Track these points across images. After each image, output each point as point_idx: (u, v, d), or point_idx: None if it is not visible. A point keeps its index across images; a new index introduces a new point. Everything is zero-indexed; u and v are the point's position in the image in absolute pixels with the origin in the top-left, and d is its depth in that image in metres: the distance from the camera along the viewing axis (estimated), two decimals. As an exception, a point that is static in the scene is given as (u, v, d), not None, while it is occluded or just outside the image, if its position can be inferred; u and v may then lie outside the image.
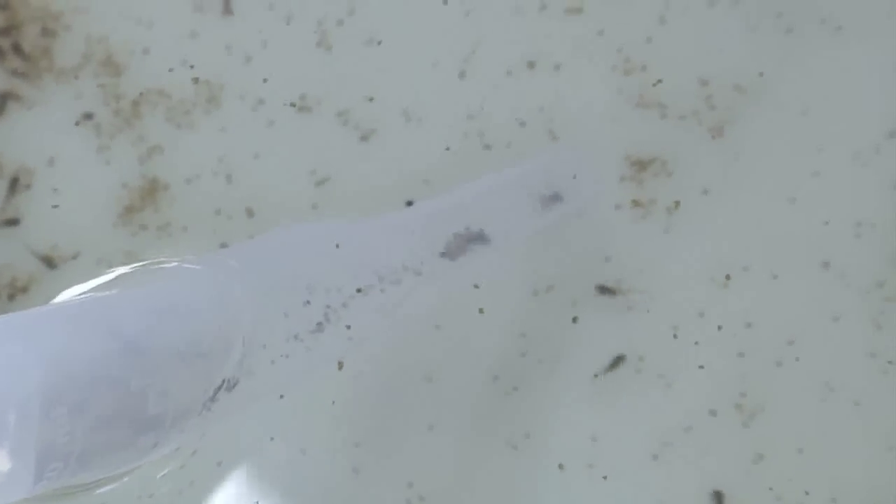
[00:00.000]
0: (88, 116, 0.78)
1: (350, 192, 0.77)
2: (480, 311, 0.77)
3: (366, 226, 0.75)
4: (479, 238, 0.74)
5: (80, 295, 0.73)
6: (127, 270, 0.74)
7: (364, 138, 0.78)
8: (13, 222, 0.78)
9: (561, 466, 0.76)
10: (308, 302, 0.70)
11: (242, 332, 0.68)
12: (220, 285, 0.69)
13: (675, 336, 0.76)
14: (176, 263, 0.74)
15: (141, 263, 0.75)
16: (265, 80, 0.79)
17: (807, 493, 0.75)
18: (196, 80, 0.78)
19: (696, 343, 0.76)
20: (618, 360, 0.77)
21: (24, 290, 0.77)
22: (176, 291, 0.68)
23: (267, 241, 0.75)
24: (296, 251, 0.74)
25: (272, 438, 0.75)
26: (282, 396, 0.74)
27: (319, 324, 0.71)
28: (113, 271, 0.74)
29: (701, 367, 0.76)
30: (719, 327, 0.76)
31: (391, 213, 0.76)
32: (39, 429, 0.57)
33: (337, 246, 0.73)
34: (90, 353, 0.61)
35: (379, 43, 0.79)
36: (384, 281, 0.72)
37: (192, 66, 0.79)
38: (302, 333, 0.71)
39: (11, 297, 0.77)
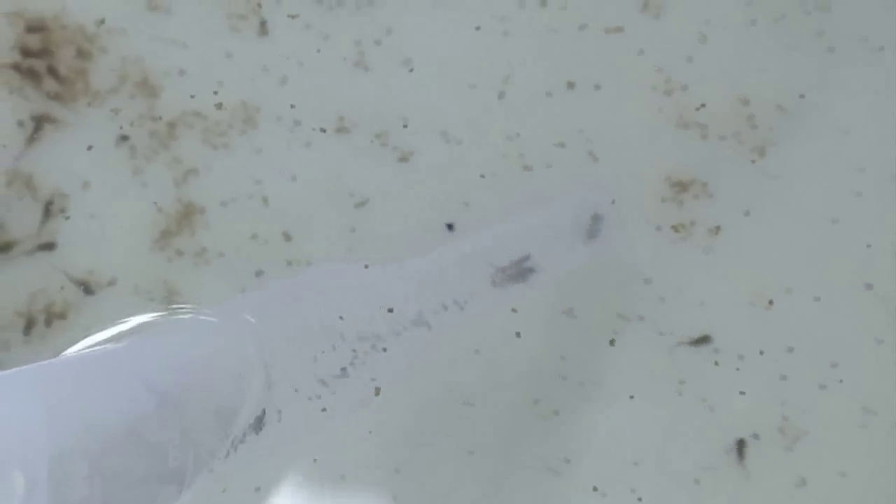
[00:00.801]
0: (124, 138, 0.77)
1: (389, 215, 0.77)
2: (517, 334, 0.76)
3: (398, 269, 0.74)
4: (526, 270, 0.74)
5: (95, 345, 0.73)
6: (143, 320, 0.73)
7: (403, 160, 0.77)
8: (48, 247, 0.77)
9: (602, 491, 0.75)
10: (335, 347, 0.70)
11: (261, 380, 0.67)
12: (235, 337, 0.68)
13: (716, 362, 0.76)
14: (191, 315, 0.73)
15: (157, 314, 0.74)
16: (302, 101, 0.78)
17: (849, 517, 0.75)
18: (232, 102, 0.78)
19: (738, 369, 0.76)
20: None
21: (62, 316, 0.76)
22: (194, 344, 0.68)
23: (291, 286, 0.75)
24: (322, 296, 0.73)
25: (315, 460, 0.75)
26: (315, 461, 0.74)
27: (344, 369, 0.71)
28: (128, 320, 0.73)
29: (743, 391, 0.76)
30: (761, 352, 0.76)
31: (434, 250, 0.75)
32: (58, 484, 0.56)
33: (366, 267, 0.73)
34: (116, 406, 0.60)
35: (417, 63, 0.78)
36: (419, 321, 0.72)
37: (227, 87, 0.78)
38: (327, 378, 0.71)
39: (49, 322, 0.76)
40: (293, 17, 0.78)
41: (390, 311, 0.72)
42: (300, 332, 0.71)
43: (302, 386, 0.70)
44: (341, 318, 0.71)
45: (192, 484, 0.63)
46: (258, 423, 0.67)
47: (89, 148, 0.78)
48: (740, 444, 0.75)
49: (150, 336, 0.71)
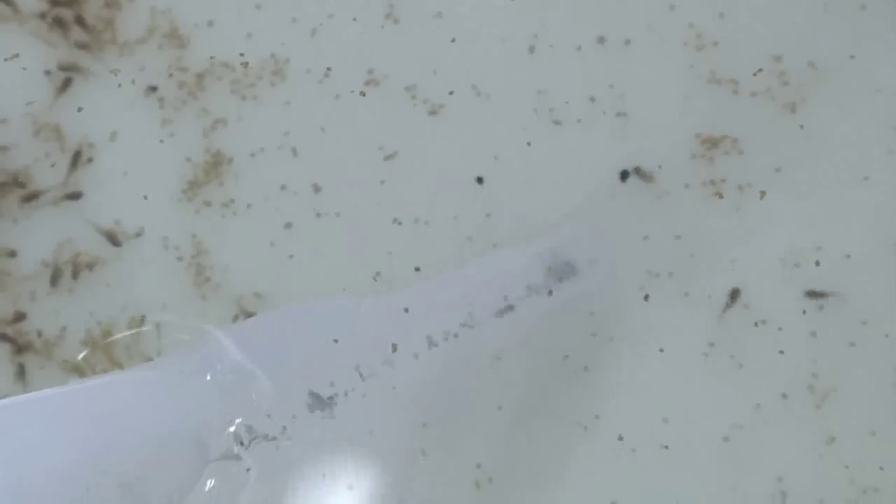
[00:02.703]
0: (152, 89, 0.77)
1: (419, 168, 0.76)
2: (550, 292, 0.76)
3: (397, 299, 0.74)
4: (568, 271, 0.74)
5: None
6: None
7: (433, 113, 0.77)
8: (75, 196, 0.77)
9: (631, 446, 0.75)
10: (332, 383, 0.71)
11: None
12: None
13: (745, 319, 0.75)
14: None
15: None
16: (331, 53, 0.77)
17: (882, 469, 0.74)
18: (261, 53, 0.77)
19: (765, 323, 0.75)
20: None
21: (89, 267, 0.76)
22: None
23: (288, 314, 0.75)
24: (319, 329, 0.74)
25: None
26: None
27: (331, 398, 0.72)
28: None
29: (772, 348, 0.75)
30: (792, 308, 0.75)
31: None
32: None
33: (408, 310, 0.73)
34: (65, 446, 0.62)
35: (447, 17, 0.77)
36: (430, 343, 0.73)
37: (256, 39, 0.77)
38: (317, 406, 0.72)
39: (75, 274, 0.76)
40: (323, -32, 0.78)
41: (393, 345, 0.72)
42: (293, 364, 0.72)
43: (298, 413, 0.71)
44: (338, 349, 0.72)
45: None
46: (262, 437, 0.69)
47: (117, 98, 0.77)
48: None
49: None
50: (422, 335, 0.73)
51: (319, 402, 0.72)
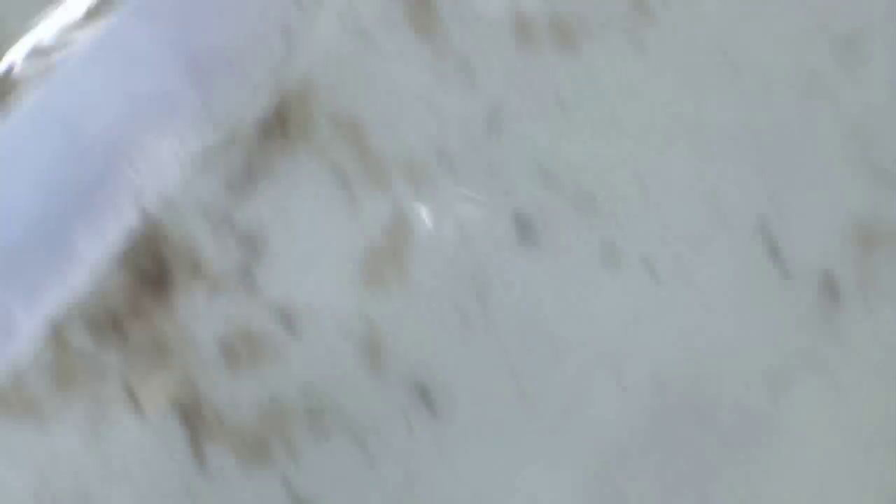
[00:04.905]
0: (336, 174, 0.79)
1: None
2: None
3: None
4: None
5: None
6: None
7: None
8: (250, 279, 0.78)
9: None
10: None
11: None
12: None
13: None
14: None
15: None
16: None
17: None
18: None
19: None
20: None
21: (264, 347, 0.76)
22: None
23: None
24: None
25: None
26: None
27: None
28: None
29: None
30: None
31: None
32: None
33: None
34: None
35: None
36: None
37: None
38: None
39: (250, 355, 0.76)
40: None
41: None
42: None
43: None
44: None
45: None
46: None
47: (295, 186, 0.79)
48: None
49: None
50: None
51: None
